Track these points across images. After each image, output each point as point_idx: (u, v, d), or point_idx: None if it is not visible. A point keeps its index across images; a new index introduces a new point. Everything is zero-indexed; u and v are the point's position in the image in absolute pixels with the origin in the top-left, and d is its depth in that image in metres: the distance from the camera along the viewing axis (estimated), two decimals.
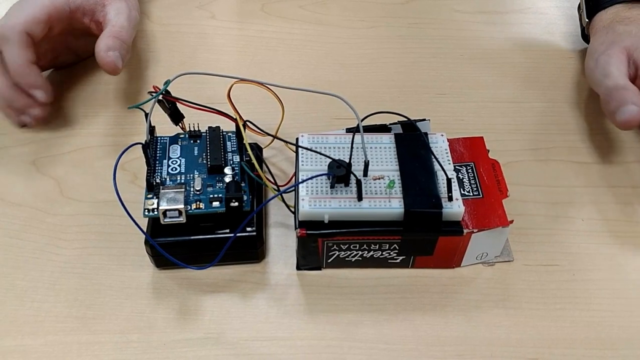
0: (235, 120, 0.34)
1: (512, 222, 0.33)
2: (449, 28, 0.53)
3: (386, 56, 0.50)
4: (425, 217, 0.32)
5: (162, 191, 0.33)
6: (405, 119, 0.36)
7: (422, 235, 0.33)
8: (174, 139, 0.37)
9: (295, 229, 0.33)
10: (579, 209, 0.39)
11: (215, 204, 0.33)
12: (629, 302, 0.34)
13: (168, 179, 0.34)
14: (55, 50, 0.45)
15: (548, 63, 0.50)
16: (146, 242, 0.33)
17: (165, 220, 0.32)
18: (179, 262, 0.32)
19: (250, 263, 0.36)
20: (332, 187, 0.32)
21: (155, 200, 0.33)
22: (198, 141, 0.37)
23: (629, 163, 0.42)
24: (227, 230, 0.34)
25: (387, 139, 0.35)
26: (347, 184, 0.32)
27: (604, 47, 0.41)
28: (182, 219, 0.32)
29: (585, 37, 0.48)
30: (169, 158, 0.35)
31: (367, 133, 0.36)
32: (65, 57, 0.47)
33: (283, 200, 0.35)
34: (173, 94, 0.34)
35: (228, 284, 0.35)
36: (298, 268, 0.36)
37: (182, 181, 0.34)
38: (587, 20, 0.46)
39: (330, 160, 0.32)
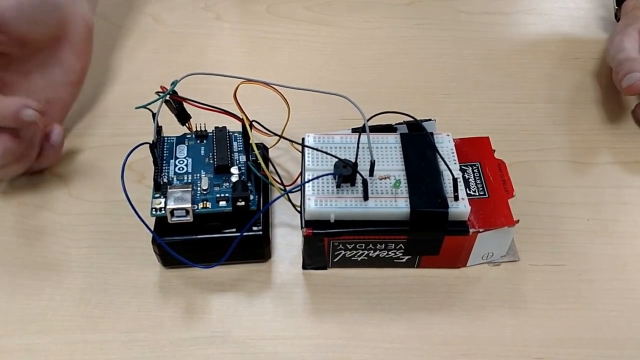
0: (241, 120, 0.34)
1: (518, 222, 0.33)
2: (454, 29, 0.53)
3: (392, 56, 0.50)
4: (431, 216, 0.32)
5: (169, 190, 0.33)
6: (411, 119, 0.36)
7: (428, 234, 0.33)
8: (180, 139, 0.37)
9: (302, 228, 0.33)
10: (585, 209, 0.39)
11: (222, 203, 0.33)
12: (635, 302, 0.34)
13: (175, 178, 0.34)
14: None
15: (553, 63, 0.50)
16: (153, 241, 0.34)
17: (173, 219, 0.33)
18: (185, 261, 0.32)
19: (257, 262, 0.36)
20: (338, 186, 0.33)
21: (163, 200, 0.33)
22: (205, 141, 0.37)
23: (635, 163, 0.42)
24: (234, 230, 0.34)
25: (393, 139, 0.35)
26: (353, 184, 0.33)
27: (621, 28, 0.46)
28: (189, 218, 0.33)
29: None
30: (176, 158, 0.36)
31: (373, 133, 0.36)
32: None
33: (289, 200, 0.35)
34: (180, 95, 0.34)
35: (234, 283, 0.35)
36: (304, 267, 0.36)
37: (189, 181, 0.34)
38: (616, 7, 0.51)
39: (336, 160, 0.32)
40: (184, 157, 0.36)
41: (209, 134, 0.37)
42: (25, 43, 0.38)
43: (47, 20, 0.38)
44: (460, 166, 0.34)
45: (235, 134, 0.37)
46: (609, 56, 0.45)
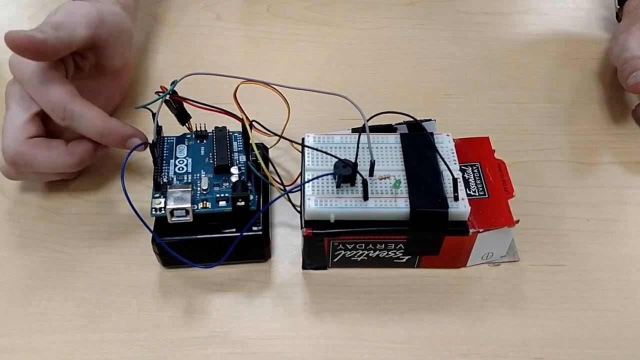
0: (241, 120, 0.35)
1: (518, 222, 0.33)
2: (454, 29, 0.53)
3: (392, 57, 0.50)
4: (431, 216, 0.32)
5: (169, 190, 0.33)
6: (411, 119, 0.36)
7: (428, 235, 0.33)
8: (180, 139, 0.37)
9: (301, 228, 0.33)
10: (585, 209, 0.39)
11: (222, 203, 0.33)
12: (634, 302, 0.34)
13: (175, 178, 0.34)
14: None
15: (553, 64, 0.50)
16: (153, 241, 0.34)
17: (173, 219, 0.33)
18: (185, 261, 0.32)
19: (256, 262, 0.36)
20: (338, 186, 0.33)
21: (163, 200, 0.33)
22: (205, 141, 0.37)
23: (636, 164, 0.42)
24: (234, 230, 0.34)
25: (393, 139, 0.35)
26: (353, 184, 0.33)
27: (625, 27, 0.45)
28: (189, 218, 0.33)
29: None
30: (176, 158, 0.36)
31: (373, 133, 0.36)
32: None
33: (289, 200, 0.35)
34: (180, 94, 0.34)
35: (234, 283, 0.35)
36: (304, 267, 0.36)
37: (189, 181, 0.34)
38: (618, 7, 0.51)
39: (336, 160, 0.32)
40: (184, 157, 0.36)
41: (209, 134, 0.37)
42: (100, 67, 0.40)
43: (125, 55, 0.42)
44: (460, 166, 0.34)
45: (235, 134, 0.37)
46: (613, 55, 0.45)
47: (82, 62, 0.39)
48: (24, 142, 0.35)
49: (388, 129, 0.37)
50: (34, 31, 0.34)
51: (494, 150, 0.37)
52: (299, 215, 0.35)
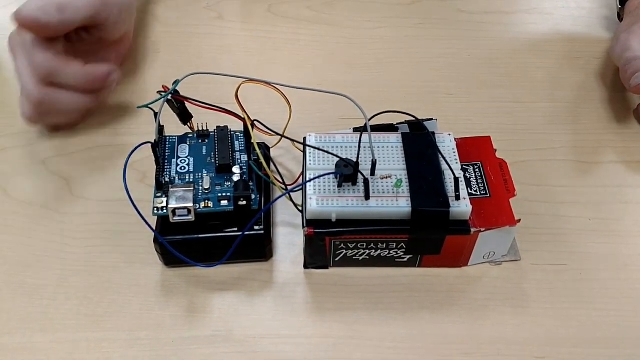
0: (243, 119, 0.35)
1: (519, 221, 0.33)
2: (455, 28, 0.53)
3: (393, 56, 0.50)
4: (432, 216, 0.32)
5: (171, 190, 0.33)
6: (413, 119, 0.36)
7: (429, 234, 0.33)
8: (182, 139, 0.37)
9: (303, 227, 0.33)
10: (586, 209, 0.39)
11: (224, 202, 0.33)
12: (636, 302, 0.34)
13: (177, 177, 0.34)
14: None
15: (554, 63, 0.50)
16: (155, 240, 0.34)
17: (175, 218, 0.33)
18: (187, 260, 0.32)
19: (258, 261, 0.36)
20: (339, 186, 0.33)
21: (165, 199, 0.33)
22: (206, 141, 0.37)
23: (637, 163, 0.42)
24: (235, 229, 0.34)
25: (395, 139, 0.35)
26: (354, 183, 0.33)
27: (626, 27, 0.45)
28: (191, 218, 0.33)
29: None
30: (178, 157, 0.36)
31: (375, 132, 0.36)
32: None
33: (291, 199, 0.35)
34: (182, 94, 0.34)
35: (236, 282, 0.35)
36: (305, 267, 0.36)
37: (191, 180, 0.34)
38: (619, 6, 0.51)
39: (338, 159, 0.32)
40: (186, 157, 0.36)
41: (211, 134, 0.37)
42: (101, 41, 0.44)
43: (124, 29, 0.45)
44: (461, 165, 0.34)
45: (237, 134, 0.37)
46: (615, 55, 0.45)
47: (84, 34, 0.42)
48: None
49: (389, 128, 0.37)
50: (39, 13, 0.38)
51: (496, 150, 0.37)
52: (300, 214, 0.35)
